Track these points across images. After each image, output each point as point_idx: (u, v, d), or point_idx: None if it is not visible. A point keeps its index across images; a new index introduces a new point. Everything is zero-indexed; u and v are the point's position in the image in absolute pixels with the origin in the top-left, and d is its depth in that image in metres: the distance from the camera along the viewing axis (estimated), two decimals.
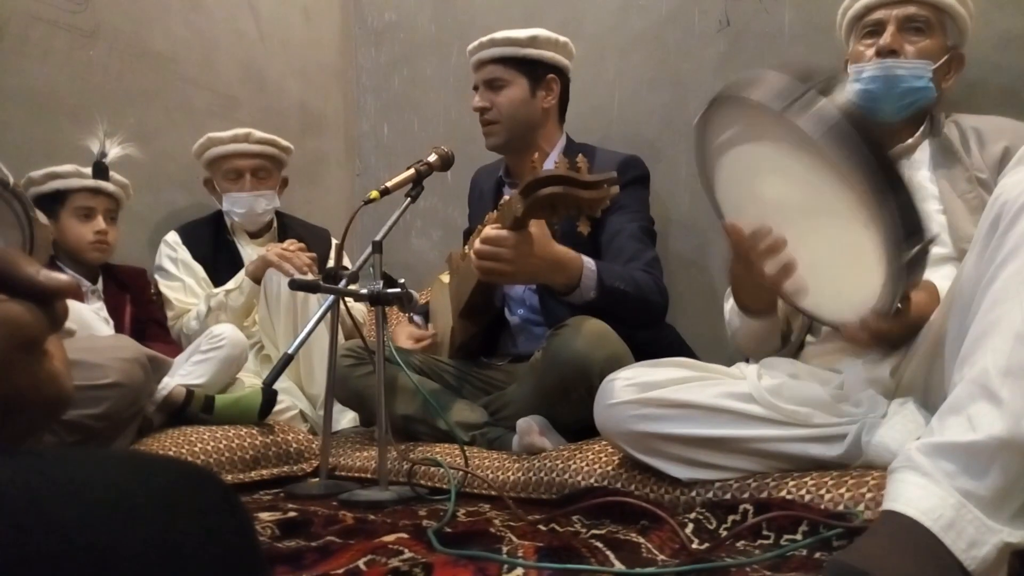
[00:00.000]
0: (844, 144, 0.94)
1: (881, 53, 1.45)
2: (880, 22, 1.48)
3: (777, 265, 1.17)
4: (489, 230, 1.45)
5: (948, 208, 1.36)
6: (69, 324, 0.47)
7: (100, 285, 2.07)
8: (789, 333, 1.44)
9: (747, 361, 1.45)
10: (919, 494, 0.78)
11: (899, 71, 1.43)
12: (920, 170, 1.45)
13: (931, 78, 1.43)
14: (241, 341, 1.94)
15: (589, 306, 1.56)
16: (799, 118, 0.96)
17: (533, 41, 1.88)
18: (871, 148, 0.94)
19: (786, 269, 1.16)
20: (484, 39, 1.90)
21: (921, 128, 1.48)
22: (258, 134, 2.28)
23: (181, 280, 2.23)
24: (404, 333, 2.08)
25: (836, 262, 1.12)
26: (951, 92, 1.51)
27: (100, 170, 2.02)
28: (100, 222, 2.01)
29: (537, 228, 1.44)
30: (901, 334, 1.14)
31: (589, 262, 1.55)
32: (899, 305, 1.06)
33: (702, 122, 1.17)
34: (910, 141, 1.48)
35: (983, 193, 1.34)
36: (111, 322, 2.00)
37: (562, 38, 1.92)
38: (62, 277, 0.39)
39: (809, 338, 1.42)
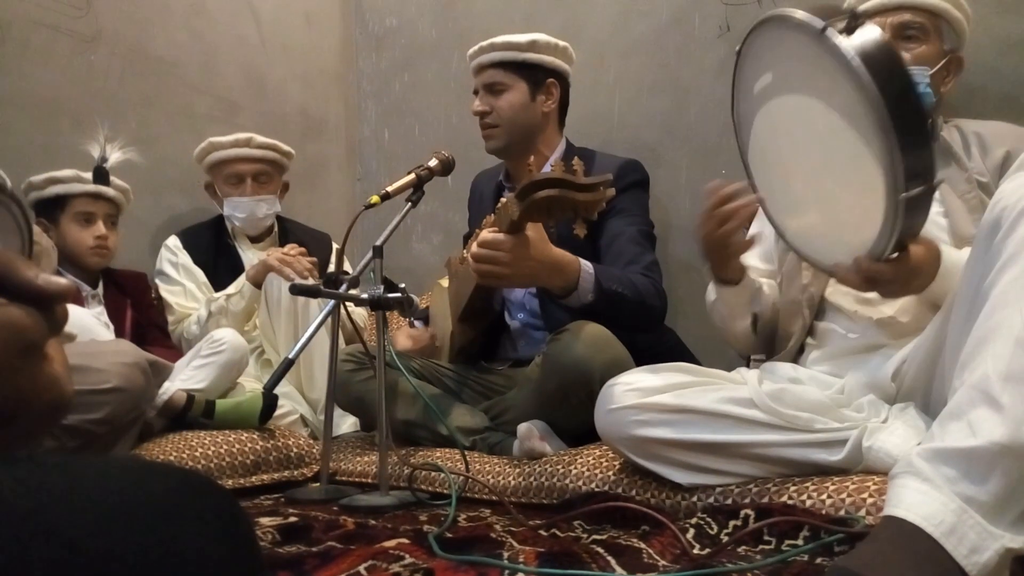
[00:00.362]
0: (873, 69, 0.96)
1: None
2: None
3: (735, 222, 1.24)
4: (486, 233, 1.46)
5: (949, 209, 1.37)
6: (70, 329, 0.47)
7: (100, 289, 2.07)
8: (775, 333, 1.44)
9: (747, 366, 1.45)
10: (920, 500, 0.77)
11: None
12: None
13: (929, 83, 1.43)
14: (242, 345, 1.94)
15: (587, 309, 1.56)
16: (835, 39, 0.99)
17: (533, 45, 1.88)
18: (897, 79, 0.97)
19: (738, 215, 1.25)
20: (484, 43, 1.91)
21: None
22: (259, 139, 2.28)
23: (182, 284, 2.24)
24: (403, 334, 2.08)
25: (843, 204, 1.14)
26: (950, 96, 1.52)
27: (100, 175, 2.02)
28: (100, 227, 2.02)
29: (534, 231, 1.44)
30: (895, 282, 1.13)
31: (587, 265, 1.56)
32: (895, 253, 1.07)
33: (743, 54, 1.21)
34: None
35: (982, 194, 1.35)
36: (111, 326, 2.00)
37: (562, 43, 1.93)
38: (61, 280, 0.39)
39: (809, 340, 1.42)
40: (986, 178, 1.37)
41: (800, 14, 1.04)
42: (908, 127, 0.96)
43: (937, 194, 1.40)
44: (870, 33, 0.99)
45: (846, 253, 1.13)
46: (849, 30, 0.99)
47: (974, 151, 1.40)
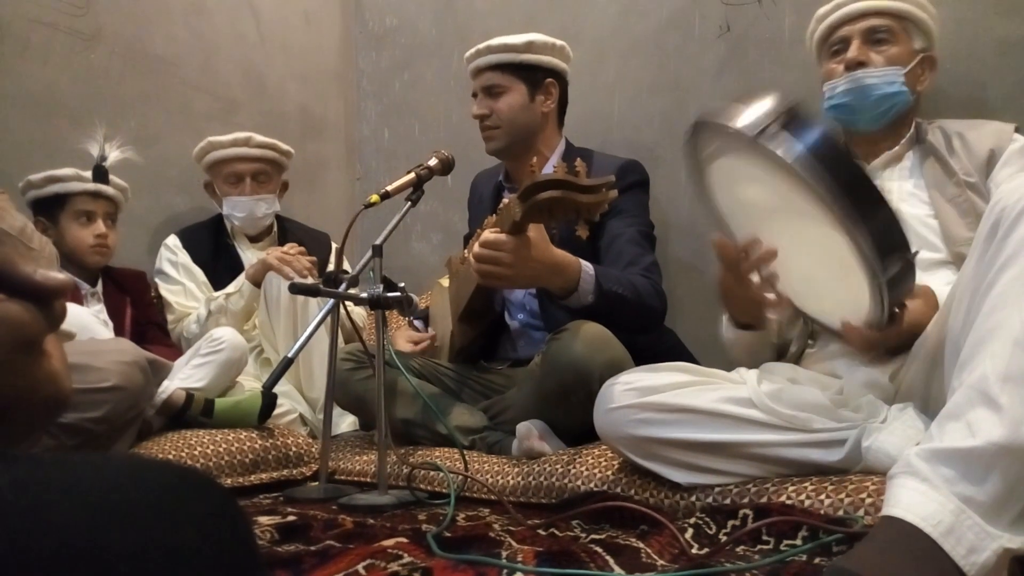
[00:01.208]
0: (812, 173, 0.93)
1: (849, 67, 1.48)
2: (845, 39, 1.51)
3: (765, 275, 1.18)
4: (488, 234, 1.46)
5: (939, 213, 1.37)
6: (69, 327, 0.47)
7: (100, 288, 2.07)
8: (786, 345, 1.44)
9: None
10: (919, 500, 0.78)
11: (869, 80, 1.46)
12: (908, 178, 1.47)
13: (903, 82, 1.45)
14: (241, 344, 1.94)
15: (587, 310, 1.56)
16: (771, 145, 0.95)
17: (530, 46, 1.88)
18: (837, 176, 0.93)
19: (771, 279, 1.17)
20: (481, 46, 1.91)
21: (907, 137, 1.49)
22: (258, 138, 2.28)
23: (181, 284, 2.24)
24: (403, 336, 2.08)
25: (829, 268, 1.11)
26: (928, 94, 1.53)
27: (100, 174, 2.02)
28: (100, 225, 2.02)
29: (536, 232, 1.44)
30: (899, 341, 1.14)
31: (587, 266, 1.56)
32: (894, 313, 1.06)
33: (688, 145, 1.17)
34: (896, 149, 1.49)
35: (971, 196, 1.35)
36: (111, 325, 2.00)
37: (559, 42, 1.93)
38: (59, 276, 0.39)
39: (809, 343, 1.43)
40: (973, 178, 1.37)
41: (726, 124, 1.00)
42: (868, 214, 0.93)
43: (926, 197, 1.41)
44: (809, 131, 0.95)
45: (848, 313, 1.11)
46: (786, 127, 0.95)
47: (959, 152, 1.41)
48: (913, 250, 0.97)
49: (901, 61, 1.47)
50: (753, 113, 0.98)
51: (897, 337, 1.11)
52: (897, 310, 1.06)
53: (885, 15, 1.47)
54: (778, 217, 1.13)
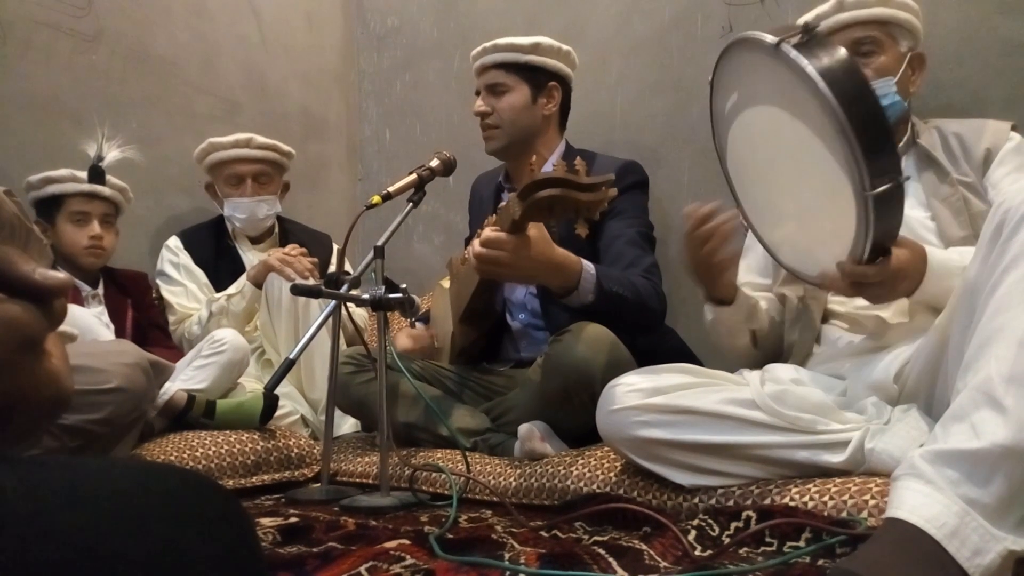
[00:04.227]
0: (826, 75, 1.00)
1: None
2: None
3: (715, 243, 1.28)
4: (488, 232, 1.46)
5: (935, 213, 1.37)
6: (71, 328, 0.47)
7: (101, 289, 2.06)
8: (790, 346, 1.45)
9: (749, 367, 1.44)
10: (923, 502, 0.77)
11: None
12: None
13: (896, 91, 1.42)
14: (242, 346, 1.94)
15: (587, 309, 1.56)
16: (788, 51, 1.02)
17: (536, 48, 1.88)
18: (850, 81, 1.00)
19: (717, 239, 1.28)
20: (488, 44, 1.91)
21: (903, 140, 1.48)
22: (260, 139, 2.28)
23: (183, 285, 2.23)
24: (404, 334, 2.08)
25: (819, 211, 1.16)
26: (920, 92, 1.52)
27: (96, 174, 2.02)
28: (95, 227, 2.01)
29: (536, 231, 1.44)
30: (881, 286, 1.13)
31: (588, 265, 1.56)
32: (877, 256, 1.09)
33: (714, 84, 1.24)
34: None
35: (965, 193, 1.36)
36: (112, 326, 2.00)
37: (565, 47, 1.93)
38: (59, 275, 0.39)
39: (816, 348, 1.42)
40: (970, 178, 1.37)
41: (756, 33, 1.08)
42: (866, 126, 0.99)
43: (923, 198, 1.41)
44: (822, 42, 1.03)
45: (829, 261, 1.14)
46: (803, 43, 1.02)
47: (956, 152, 1.41)
48: (904, 175, 1.01)
49: (891, 70, 1.43)
50: (774, 29, 1.07)
51: (880, 277, 1.11)
52: (884, 253, 1.08)
53: (868, 24, 1.44)
54: (781, 152, 1.17)
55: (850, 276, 1.11)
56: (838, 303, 1.41)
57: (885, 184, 0.99)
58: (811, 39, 1.03)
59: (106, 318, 2.01)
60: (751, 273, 1.56)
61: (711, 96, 1.25)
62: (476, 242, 1.47)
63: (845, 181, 1.03)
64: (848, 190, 1.03)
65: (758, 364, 1.41)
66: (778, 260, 1.33)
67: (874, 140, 0.99)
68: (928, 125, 1.49)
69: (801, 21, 1.45)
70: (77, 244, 1.99)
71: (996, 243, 0.89)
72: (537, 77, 1.89)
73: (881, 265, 1.10)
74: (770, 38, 1.05)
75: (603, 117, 2.30)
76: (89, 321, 1.84)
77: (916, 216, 1.40)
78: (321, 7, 2.92)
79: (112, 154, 2.07)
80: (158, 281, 2.26)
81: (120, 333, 2.00)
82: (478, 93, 1.93)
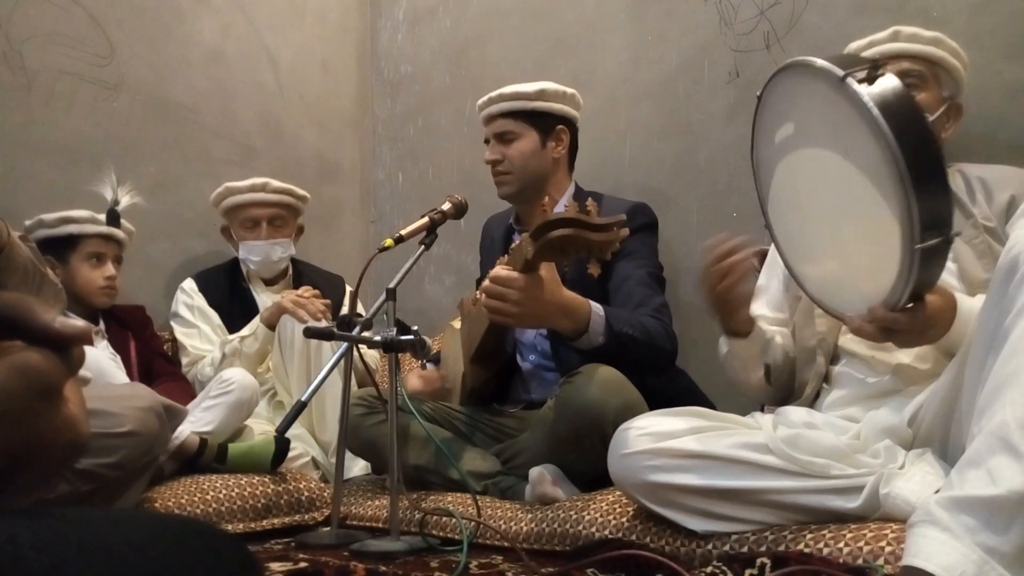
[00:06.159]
0: (891, 118, 0.97)
1: None
2: None
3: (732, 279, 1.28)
4: (500, 270, 1.46)
5: (957, 255, 1.37)
6: (85, 372, 0.47)
7: (102, 325, 2.09)
8: (802, 386, 1.43)
9: (762, 410, 1.43)
10: (940, 550, 0.76)
11: None
12: None
13: None
14: (251, 384, 1.94)
15: (597, 351, 1.56)
16: (855, 87, 0.99)
17: (541, 94, 1.92)
18: (915, 128, 0.97)
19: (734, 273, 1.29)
20: (493, 94, 1.94)
21: None
22: (275, 183, 2.32)
23: (197, 327, 2.25)
24: (414, 375, 2.08)
25: (860, 252, 1.13)
26: (950, 141, 1.52)
27: (113, 217, 2.06)
28: (110, 267, 2.04)
29: (547, 271, 1.45)
30: (910, 332, 1.11)
31: (597, 307, 1.56)
32: (911, 303, 1.06)
33: (763, 100, 1.21)
34: None
35: (989, 239, 1.35)
36: (119, 358, 2.01)
37: (569, 90, 1.96)
38: (78, 323, 0.40)
39: (824, 385, 1.41)
40: (992, 223, 1.37)
41: (820, 62, 1.05)
42: (925, 176, 0.96)
43: None
44: (889, 82, 1.00)
45: (861, 302, 1.12)
46: (869, 79, 1.00)
47: (979, 196, 1.41)
48: (955, 230, 0.98)
49: (929, 108, 1.43)
50: (840, 60, 1.04)
51: (910, 325, 1.09)
52: (913, 303, 1.06)
53: (919, 59, 1.45)
54: (825, 186, 1.15)
55: (881, 322, 1.09)
56: (856, 340, 1.39)
57: (935, 239, 0.97)
58: (877, 76, 1.00)
59: (110, 351, 2.02)
60: (765, 307, 1.55)
61: (757, 110, 1.23)
62: (486, 281, 1.48)
63: (894, 228, 1.00)
64: (896, 238, 1.00)
65: (771, 401, 1.39)
66: (803, 288, 1.30)
67: (932, 194, 0.96)
68: (952, 168, 1.49)
69: (865, 52, 1.47)
70: (93, 284, 2.02)
71: (1008, 285, 0.89)
72: (544, 122, 1.92)
73: (914, 312, 1.07)
74: (838, 70, 1.01)
75: (613, 161, 2.32)
76: (103, 364, 1.85)
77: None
78: (336, 55, 2.99)
79: (125, 199, 2.12)
80: (172, 323, 2.28)
81: (125, 365, 2.01)
82: (487, 141, 1.96)
